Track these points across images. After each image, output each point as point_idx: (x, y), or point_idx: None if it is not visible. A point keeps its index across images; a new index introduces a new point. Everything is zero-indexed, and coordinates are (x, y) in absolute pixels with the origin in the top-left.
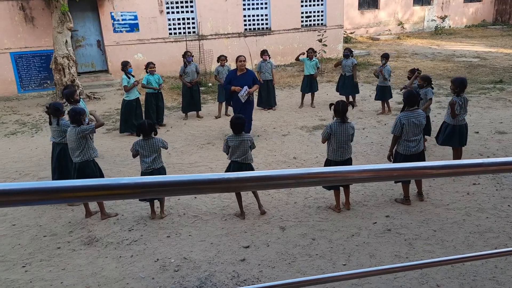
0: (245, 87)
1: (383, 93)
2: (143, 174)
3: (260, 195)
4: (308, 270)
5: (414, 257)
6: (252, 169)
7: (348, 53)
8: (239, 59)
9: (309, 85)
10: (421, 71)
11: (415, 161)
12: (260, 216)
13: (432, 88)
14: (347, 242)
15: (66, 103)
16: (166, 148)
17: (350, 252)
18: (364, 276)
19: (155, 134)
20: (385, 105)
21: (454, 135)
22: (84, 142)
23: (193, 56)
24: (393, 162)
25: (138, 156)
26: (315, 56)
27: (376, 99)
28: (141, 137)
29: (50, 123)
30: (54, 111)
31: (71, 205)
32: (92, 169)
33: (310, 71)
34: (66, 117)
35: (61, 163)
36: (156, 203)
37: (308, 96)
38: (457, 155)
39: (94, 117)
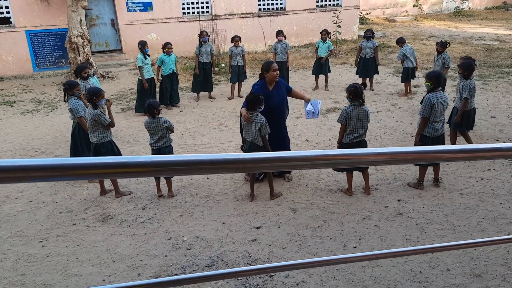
0: (318, 103)
1: (406, 74)
2: (152, 152)
3: None
4: (318, 252)
5: (425, 241)
6: (264, 150)
7: (370, 35)
8: (273, 67)
9: (320, 67)
10: (450, 43)
11: (441, 143)
12: (270, 198)
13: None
14: (358, 225)
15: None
16: (171, 129)
17: (361, 235)
18: (374, 259)
19: (157, 114)
20: (408, 87)
21: (463, 120)
22: (97, 125)
23: (209, 36)
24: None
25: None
26: (329, 38)
27: (402, 81)
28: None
29: (64, 100)
30: (63, 87)
31: (92, 182)
32: (107, 148)
33: (323, 54)
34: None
35: (76, 141)
36: (163, 181)
37: (322, 78)
38: (467, 139)
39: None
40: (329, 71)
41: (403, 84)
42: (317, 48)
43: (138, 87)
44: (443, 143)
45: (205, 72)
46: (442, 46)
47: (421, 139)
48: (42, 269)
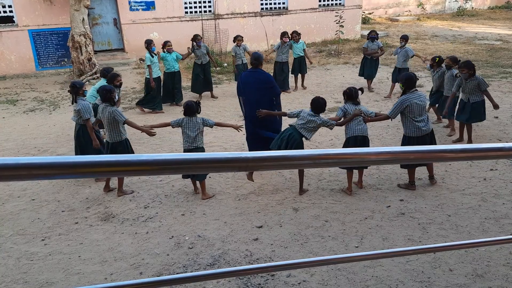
0: None
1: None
2: (185, 151)
3: (273, 175)
4: (320, 251)
5: (427, 241)
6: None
7: (375, 36)
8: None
9: (299, 67)
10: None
11: (428, 142)
12: (273, 197)
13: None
14: (360, 225)
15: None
16: (210, 126)
17: (363, 235)
18: (376, 258)
19: (199, 113)
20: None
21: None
22: (114, 123)
23: (202, 38)
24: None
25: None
26: (300, 38)
27: (392, 81)
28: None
29: (72, 102)
30: (71, 88)
31: (99, 180)
32: (124, 147)
33: (299, 53)
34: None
35: (81, 143)
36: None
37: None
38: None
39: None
40: (306, 71)
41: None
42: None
43: (146, 86)
44: (433, 142)
45: (205, 73)
46: (439, 63)
47: (406, 141)
48: (44, 267)
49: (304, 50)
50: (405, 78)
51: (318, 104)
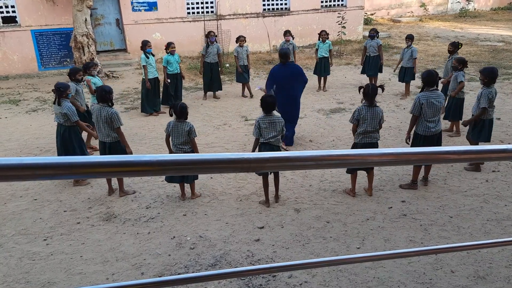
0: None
1: (404, 75)
2: None
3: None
4: (322, 252)
5: (429, 242)
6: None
7: (374, 34)
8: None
9: (323, 67)
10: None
11: (435, 142)
12: (274, 198)
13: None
14: (361, 226)
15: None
16: (191, 138)
17: (365, 236)
18: (378, 260)
19: (186, 119)
20: (407, 87)
21: (484, 129)
22: (112, 123)
23: (216, 36)
24: (413, 143)
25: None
26: (327, 38)
27: (399, 80)
28: (174, 118)
29: (54, 103)
30: (56, 90)
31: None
32: (122, 147)
33: (323, 54)
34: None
35: (66, 144)
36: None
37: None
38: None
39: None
40: (329, 73)
41: (404, 84)
42: (317, 49)
43: (142, 87)
44: (439, 143)
45: (211, 72)
46: (454, 46)
47: (413, 137)
48: (46, 267)
49: (329, 50)
50: (425, 75)
51: (266, 103)
